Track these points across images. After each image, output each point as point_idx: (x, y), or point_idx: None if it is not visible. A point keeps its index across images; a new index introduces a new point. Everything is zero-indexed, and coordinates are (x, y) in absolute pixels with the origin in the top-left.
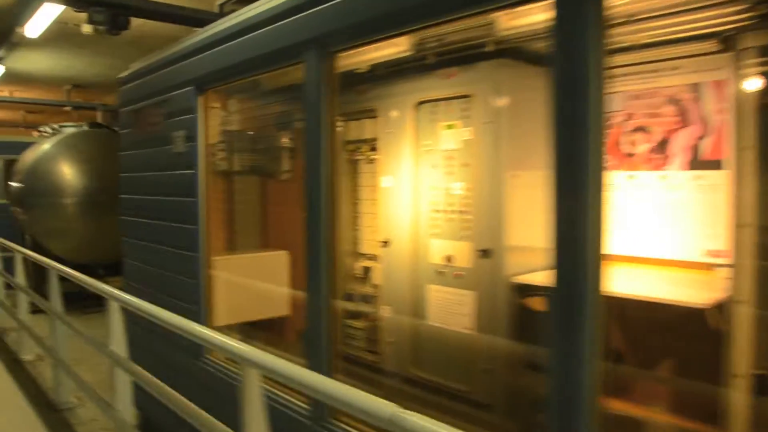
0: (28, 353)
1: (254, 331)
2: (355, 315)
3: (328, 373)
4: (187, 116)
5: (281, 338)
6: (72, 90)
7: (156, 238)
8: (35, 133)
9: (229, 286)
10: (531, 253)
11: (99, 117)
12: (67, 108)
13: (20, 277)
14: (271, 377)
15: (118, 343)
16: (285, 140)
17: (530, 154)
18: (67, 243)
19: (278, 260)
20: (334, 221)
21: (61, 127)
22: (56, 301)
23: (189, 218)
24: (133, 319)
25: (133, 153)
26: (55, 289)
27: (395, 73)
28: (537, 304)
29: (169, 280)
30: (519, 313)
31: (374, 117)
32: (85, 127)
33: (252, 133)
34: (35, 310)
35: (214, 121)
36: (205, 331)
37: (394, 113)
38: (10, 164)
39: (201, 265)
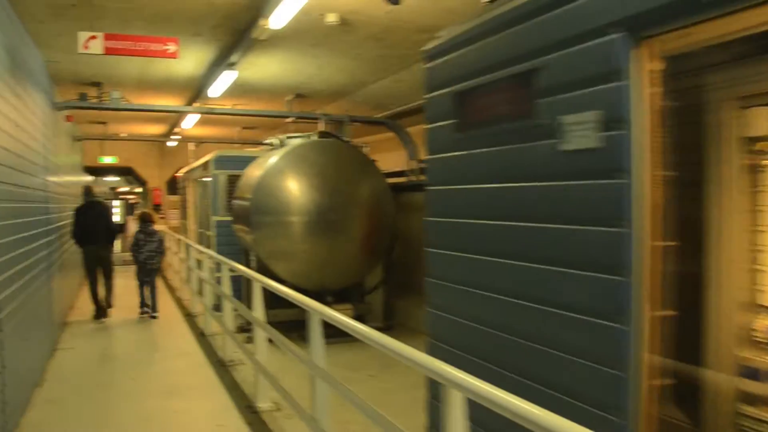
0: (264, 399)
1: None
2: (757, 399)
3: None
4: (602, 87)
5: None
6: (293, 100)
7: (507, 288)
8: (252, 148)
9: None
10: None
11: (321, 128)
12: (289, 119)
13: (258, 310)
14: None
15: None
16: None
17: None
18: (294, 266)
19: None
20: None
21: (288, 138)
22: (318, 353)
23: (601, 261)
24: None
25: (452, 156)
26: (317, 339)
27: None
28: None
29: (542, 360)
30: None
31: None
32: (315, 137)
33: None
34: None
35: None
36: None
37: None
38: (233, 180)
39: (630, 346)
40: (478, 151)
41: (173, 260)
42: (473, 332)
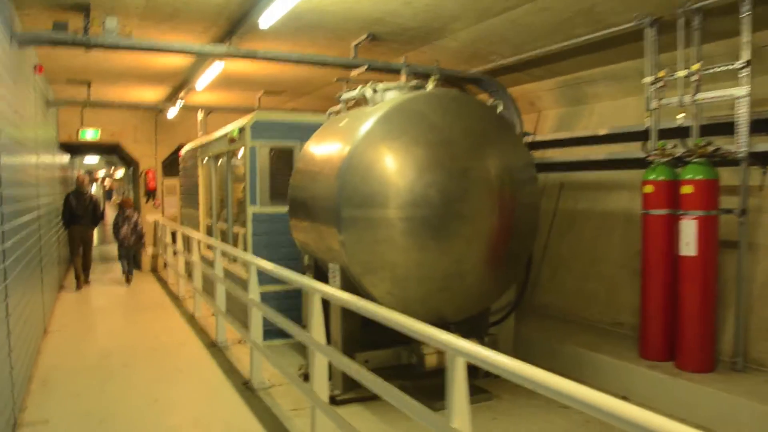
0: None
1: None
2: None
3: None
4: None
5: None
6: (363, 44)
7: None
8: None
9: None
10: None
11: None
12: (360, 69)
13: (463, 416)
14: None
15: None
16: None
17: None
18: (404, 286)
19: None
20: None
21: (385, 90)
22: None
23: None
24: None
25: None
26: None
27: None
28: None
29: None
30: None
31: None
32: (430, 87)
33: None
34: (339, 398)
35: None
36: None
37: None
38: (280, 155)
39: None
40: None
41: (175, 261)
42: None
